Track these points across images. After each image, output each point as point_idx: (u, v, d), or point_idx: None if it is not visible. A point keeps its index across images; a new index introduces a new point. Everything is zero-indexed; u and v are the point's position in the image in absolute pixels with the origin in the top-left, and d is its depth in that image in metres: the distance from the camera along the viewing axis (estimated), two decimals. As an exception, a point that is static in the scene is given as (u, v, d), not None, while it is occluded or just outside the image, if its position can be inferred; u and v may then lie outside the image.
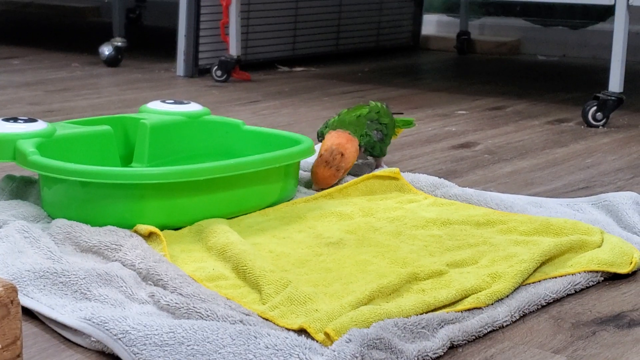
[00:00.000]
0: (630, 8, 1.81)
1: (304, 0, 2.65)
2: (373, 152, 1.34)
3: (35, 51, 2.86)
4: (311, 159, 1.40)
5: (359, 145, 1.31)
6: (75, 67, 2.57)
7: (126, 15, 3.42)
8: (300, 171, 1.34)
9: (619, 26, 1.81)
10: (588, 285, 1.00)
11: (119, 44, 2.56)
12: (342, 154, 1.27)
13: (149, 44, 3.10)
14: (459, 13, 3.00)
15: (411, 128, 1.54)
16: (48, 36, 3.29)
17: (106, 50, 2.56)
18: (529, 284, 0.97)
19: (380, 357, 0.79)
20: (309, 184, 1.32)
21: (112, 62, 2.56)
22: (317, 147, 1.51)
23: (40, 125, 1.23)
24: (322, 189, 1.27)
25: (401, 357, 0.80)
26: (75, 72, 2.48)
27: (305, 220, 1.16)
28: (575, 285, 0.98)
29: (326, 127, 1.36)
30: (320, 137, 1.37)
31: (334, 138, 1.29)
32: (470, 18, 3.03)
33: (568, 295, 0.97)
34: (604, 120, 1.84)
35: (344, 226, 1.14)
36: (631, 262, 1.03)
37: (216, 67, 2.35)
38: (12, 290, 0.75)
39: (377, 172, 1.28)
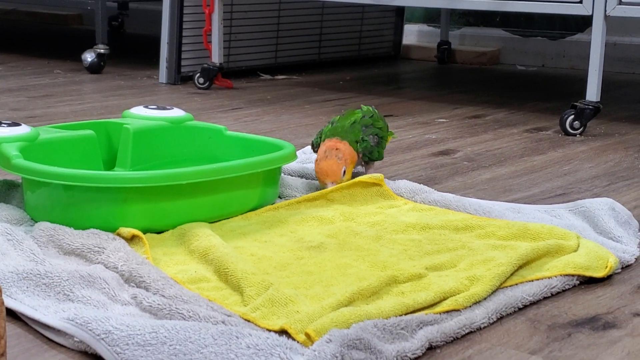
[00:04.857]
0: (607, 19, 1.84)
1: (287, 9, 2.67)
2: (371, 156, 1.34)
3: (18, 57, 2.86)
4: (294, 165, 1.42)
5: (357, 151, 1.32)
6: (57, 74, 2.57)
7: (108, 22, 3.43)
8: (296, 177, 1.36)
9: (597, 36, 1.84)
10: (564, 289, 1.01)
11: (102, 50, 2.57)
12: (337, 148, 1.28)
13: (131, 52, 3.11)
14: (440, 23, 3.02)
15: (394, 138, 1.54)
16: (30, 43, 3.29)
17: (89, 57, 2.57)
18: (507, 287, 0.99)
19: (360, 357, 0.80)
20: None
21: (95, 68, 2.57)
22: (309, 154, 1.53)
23: (23, 129, 1.23)
24: (333, 183, 1.27)
25: (380, 358, 0.81)
26: (58, 79, 2.49)
27: (287, 224, 1.18)
28: (552, 288, 1.00)
29: (320, 136, 1.35)
30: (316, 147, 1.36)
31: (326, 143, 1.30)
32: (451, 28, 3.05)
33: (544, 298, 0.99)
34: (581, 129, 1.87)
35: (324, 230, 1.16)
36: (606, 267, 1.05)
37: (198, 74, 2.36)
38: (-3, 289, 0.76)
39: (362, 177, 1.29)
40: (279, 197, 1.30)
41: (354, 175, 1.35)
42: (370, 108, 1.39)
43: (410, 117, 2.04)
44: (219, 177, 1.16)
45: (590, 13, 1.85)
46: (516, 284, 1.00)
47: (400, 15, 3.02)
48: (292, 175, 1.41)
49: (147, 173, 1.14)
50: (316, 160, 1.30)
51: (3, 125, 1.23)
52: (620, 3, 1.82)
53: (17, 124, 1.24)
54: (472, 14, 3.07)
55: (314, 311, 0.88)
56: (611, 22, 1.87)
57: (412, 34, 3.16)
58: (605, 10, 1.83)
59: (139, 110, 1.41)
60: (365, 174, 1.36)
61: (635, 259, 1.11)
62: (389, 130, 1.44)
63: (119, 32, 3.56)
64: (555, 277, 1.02)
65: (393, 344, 0.84)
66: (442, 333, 0.87)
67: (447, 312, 0.92)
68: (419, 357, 0.84)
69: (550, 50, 2.95)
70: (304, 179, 1.39)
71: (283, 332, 0.86)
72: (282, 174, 1.35)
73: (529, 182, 1.48)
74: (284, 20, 2.67)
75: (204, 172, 1.15)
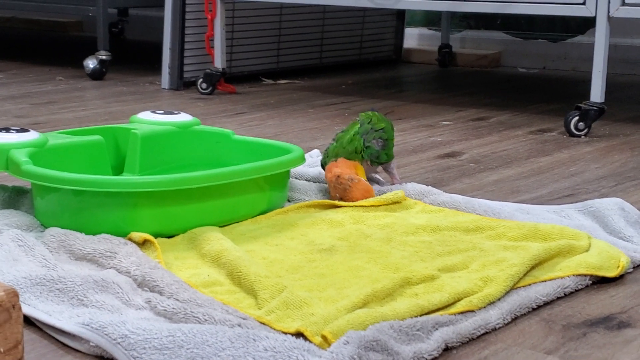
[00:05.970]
0: (610, 20, 1.84)
1: (288, 14, 2.67)
2: (380, 160, 1.34)
3: (19, 65, 2.86)
4: (302, 168, 1.42)
5: (362, 159, 1.32)
6: (59, 81, 2.57)
7: (108, 29, 3.42)
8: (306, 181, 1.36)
9: (600, 37, 1.84)
10: (577, 289, 1.01)
11: (104, 57, 2.57)
12: (338, 176, 1.28)
13: (133, 58, 3.11)
14: (441, 26, 3.03)
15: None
16: (31, 50, 3.29)
17: (90, 63, 2.57)
18: (520, 287, 0.99)
19: (378, 359, 0.80)
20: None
21: (97, 75, 2.57)
22: (315, 158, 1.53)
23: (32, 136, 1.23)
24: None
25: (398, 359, 0.81)
26: (60, 85, 2.49)
27: (297, 227, 1.18)
28: (565, 288, 1.00)
29: (327, 156, 1.34)
30: (324, 168, 1.35)
31: (332, 171, 1.30)
32: (452, 31, 3.06)
33: (558, 298, 0.99)
34: (586, 130, 1.87)
35: (335, 233, 1.16)
36: (618, 266, 1.05)
37: (201, 79, 2.36)
38: (14, 294, 0.76)
39: (387, 197, 1.26)
40: (288, 201, 1.30)
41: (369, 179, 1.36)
42: (370, 113, 1.38)
43: (414, 120, 2.04)
44: (229, 181, 1.16)
45: (593, 14, 1.85)
46: (529, 285, 1.00)
47: (401, 18, 3.03)
48: (301, 179, 1.41)
49: (157, 178, 1.14)
50: (342, 188, 1.27)
51: (12, 131, 1.23)
52: (624, 4, 1.82)
53: (26, 130, 1.24)
54: (473, 17, 3.08)
55: (329, 313, 0.87)
56: (612, 24, 1.87)
57: (412, 37, 3.16)
58: (609, 12, 1.83)
59: (146, 115, 1.41)
60: (388, 174, 1.37)
61: (647, 258, 1.11)
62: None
63: (119, 39, 3.56)
64: (568, 277, 1.02)
65: (409, 345, 0.84)
66: (457, 334, 0.87)
67: (462, 313, 0.92)
68: (436, 358, 0.84)
69: (551, 52, 2.95)
70: (311, 182, 1.39)
71: (299, 334, 0.86)
72: (291, 178, 1.34)
73: (536, 183, 1.48)
74: (286, 25, 2.67)
75: (214, 176, 1.15)
